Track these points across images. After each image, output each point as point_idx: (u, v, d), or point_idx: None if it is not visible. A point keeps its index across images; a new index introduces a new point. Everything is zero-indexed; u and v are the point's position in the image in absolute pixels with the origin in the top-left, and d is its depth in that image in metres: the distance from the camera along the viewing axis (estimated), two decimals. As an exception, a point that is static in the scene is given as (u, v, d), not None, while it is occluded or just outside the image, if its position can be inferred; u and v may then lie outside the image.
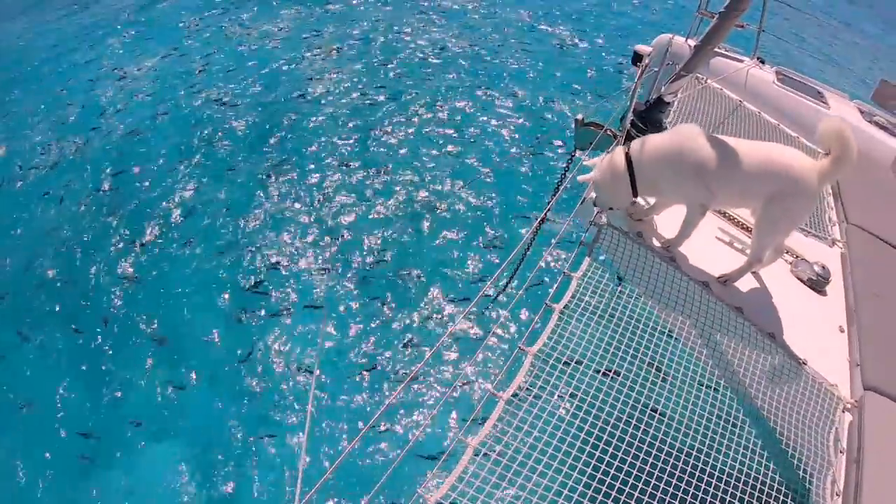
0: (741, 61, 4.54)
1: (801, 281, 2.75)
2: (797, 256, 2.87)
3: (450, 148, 6.78)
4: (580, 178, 2.45)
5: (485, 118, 7.51)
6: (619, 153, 2.34)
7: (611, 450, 1.75)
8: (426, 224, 5.60)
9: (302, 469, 3.02)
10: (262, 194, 6.00)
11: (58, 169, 6.54)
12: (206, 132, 7.00)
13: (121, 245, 5.44)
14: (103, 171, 6.41)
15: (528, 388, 1.81)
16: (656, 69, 3.70)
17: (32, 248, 5.45)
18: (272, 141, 6.86)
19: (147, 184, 6.22)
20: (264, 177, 6.20)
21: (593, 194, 2.44)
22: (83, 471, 3.80)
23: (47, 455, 3.87)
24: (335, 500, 3.45)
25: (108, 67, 8.49)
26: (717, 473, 1.83)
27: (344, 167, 6.44)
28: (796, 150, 2.31)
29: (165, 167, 6.39)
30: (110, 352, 4.49)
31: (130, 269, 5.19)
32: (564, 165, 3.24)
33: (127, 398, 4.24)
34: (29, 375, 4.41)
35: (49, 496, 3.66)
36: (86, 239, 5.48)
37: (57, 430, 4.01)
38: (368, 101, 7.74)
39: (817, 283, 2.72)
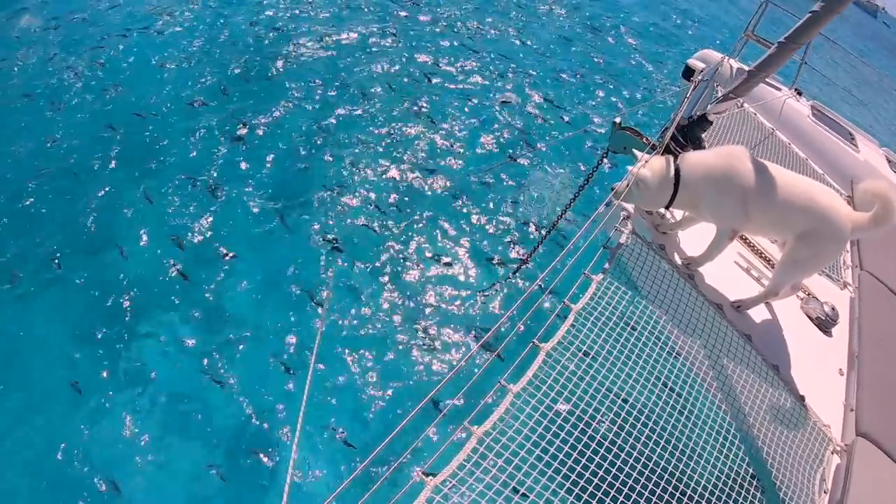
0: (779, 90, 4.48)
1: (810, 318, 2.75)
2: (808, 294, 2.87)
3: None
4: (630, 167, 2.40)
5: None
6: (667, 161, 2.30)
7: (610, 457, 1.74)
8: (438, 209, 5.48)
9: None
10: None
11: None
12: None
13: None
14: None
15: (537, 384, 1.79)
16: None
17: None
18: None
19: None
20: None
21: (625, 183, 2.38)
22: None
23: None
24: (328, 468, 3.42)
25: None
26: (706, 494, 1.84)
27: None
28: (836, 195, 2.29)
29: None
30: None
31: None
32: (595, 164, 3.19)
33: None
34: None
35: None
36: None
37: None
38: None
39: (825, 323, 2.73)
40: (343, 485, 1.34)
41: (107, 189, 5.03)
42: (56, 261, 4.32)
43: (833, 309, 2.77)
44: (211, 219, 4.89)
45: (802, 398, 2.34)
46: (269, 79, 6.89)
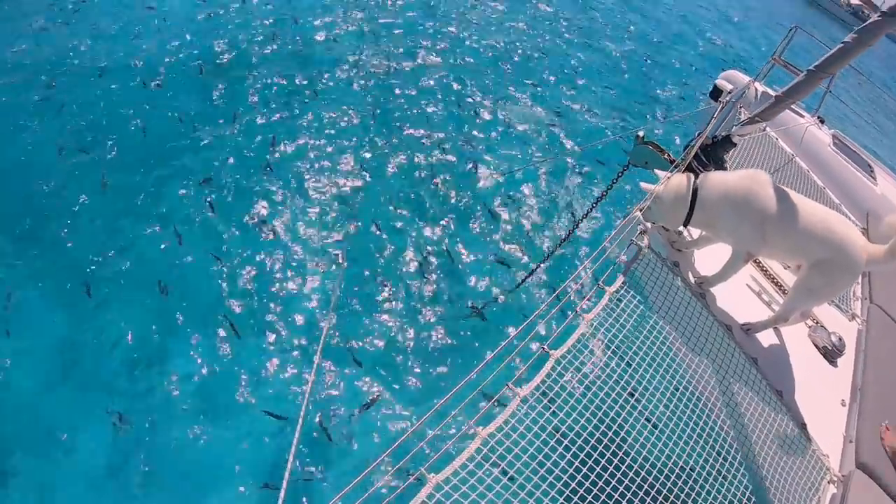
0: (802, 116, 4.47)
1: (817, 347, 2.75)
2: (817, 322, 2.87)
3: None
4: (643, 184, 2.42)
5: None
6: (687, 179, 2.31)
7: (611, 468, 1.76)
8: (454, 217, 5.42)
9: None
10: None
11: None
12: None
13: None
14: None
15: (545, 391, 1.80)
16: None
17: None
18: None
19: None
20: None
21: (646, 203, 2.40)
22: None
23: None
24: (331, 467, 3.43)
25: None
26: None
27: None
28: (853, 225, 2.29)
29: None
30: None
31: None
32: (614, 177, 3.19)
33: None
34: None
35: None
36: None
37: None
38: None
39: (831, 353, 2.73)
40: (350, 485, 1.36)
41: (130, 197, 4.95)
42: (85, 284, 4.20)
43: (840, 339, 2.77)
44: (241, 233, 4.82)
45: (804, 426, 2.34)
46: (308, 93, 6.82)
